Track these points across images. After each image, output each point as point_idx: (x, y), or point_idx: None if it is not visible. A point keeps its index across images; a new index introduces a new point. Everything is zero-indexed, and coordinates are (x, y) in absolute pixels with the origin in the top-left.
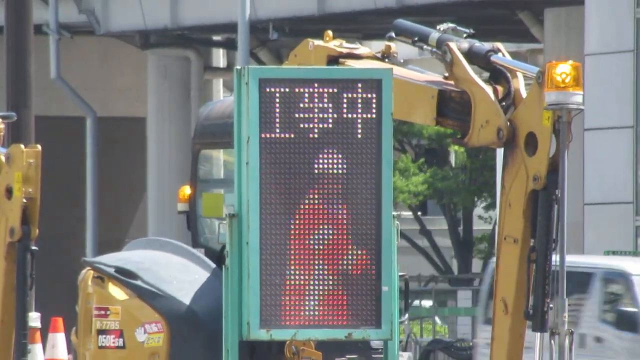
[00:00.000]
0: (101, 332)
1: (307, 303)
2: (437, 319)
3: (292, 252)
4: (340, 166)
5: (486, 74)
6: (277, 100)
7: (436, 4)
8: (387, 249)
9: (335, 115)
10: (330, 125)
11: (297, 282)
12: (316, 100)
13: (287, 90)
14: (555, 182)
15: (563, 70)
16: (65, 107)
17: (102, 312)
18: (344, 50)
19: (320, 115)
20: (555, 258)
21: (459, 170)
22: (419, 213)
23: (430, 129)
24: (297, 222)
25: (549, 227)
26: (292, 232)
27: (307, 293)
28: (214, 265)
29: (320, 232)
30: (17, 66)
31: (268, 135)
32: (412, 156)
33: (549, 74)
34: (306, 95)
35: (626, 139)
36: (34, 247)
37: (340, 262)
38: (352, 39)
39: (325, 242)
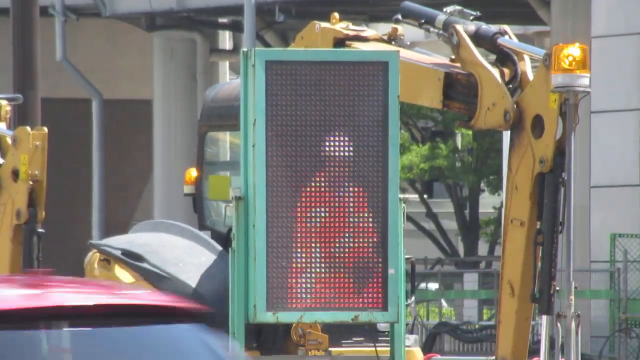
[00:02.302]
0: None
1: (313, 286)
2: (443, 301)
3: (299, 234)
4: (346, 149)
5: (493, 57)
6: (284, 82)
7: None
8: (393, 232)
9: (341, 98)
10: (337, 108)
11: (304, 265)
12: (322, 82)
13: (293, 72)
14: (561, 164)
15: (570, 52)
16: (71, 89)
17: None
18: (351, 33)
19: (327, 98)
20: (561, 241)
21: (464, 152)
22: (425, 196)
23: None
24: (304, 204)
25: (555, 210)
26: (299, 214)
27: (313, 276)
28: (220, 248)
29: (327, 214)
30: (23, 48)
31: (274, 118)
32: (418, 138)
33: (556, 57)
34: (312, 77)
35: (633, 122)
36: (40, 230)
37: (347, 245)
38: (358, 21)
39: (331, 224)
